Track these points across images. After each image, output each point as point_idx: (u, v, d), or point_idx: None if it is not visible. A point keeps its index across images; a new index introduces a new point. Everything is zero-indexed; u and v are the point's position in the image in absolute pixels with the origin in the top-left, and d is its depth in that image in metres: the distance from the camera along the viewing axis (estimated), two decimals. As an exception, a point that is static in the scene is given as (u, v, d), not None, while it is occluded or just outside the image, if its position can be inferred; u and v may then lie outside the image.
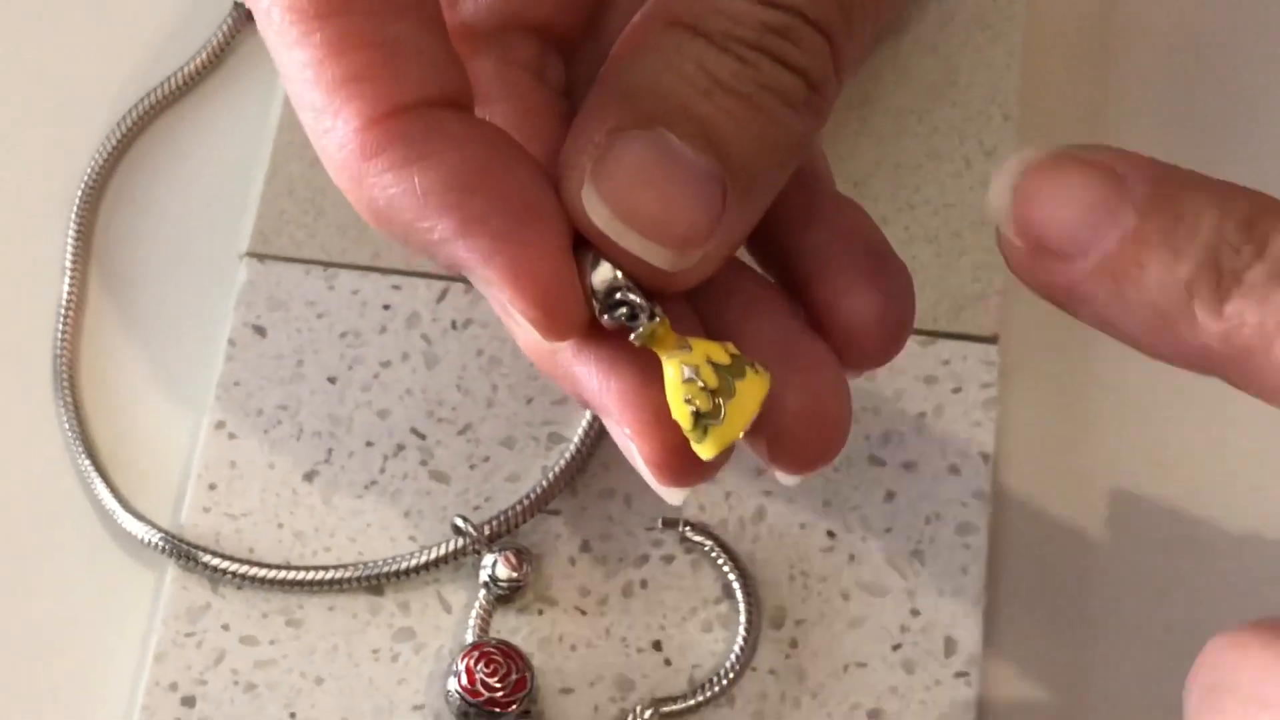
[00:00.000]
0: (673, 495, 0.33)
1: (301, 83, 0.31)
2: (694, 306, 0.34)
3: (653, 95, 0.31)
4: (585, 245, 0.32)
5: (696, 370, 0.32)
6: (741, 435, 0.32)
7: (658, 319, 0.32)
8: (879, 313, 0.34)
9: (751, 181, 0.32)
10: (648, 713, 0.41)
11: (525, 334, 0.33)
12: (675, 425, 0.32)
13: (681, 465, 0.32)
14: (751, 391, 0.32)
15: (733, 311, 0.34)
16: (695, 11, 0.32)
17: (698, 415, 0.32)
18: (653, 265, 0.31)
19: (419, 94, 0.31)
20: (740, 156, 0.31)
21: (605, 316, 0.32)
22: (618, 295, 0.32)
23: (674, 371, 0.32)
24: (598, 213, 0.31)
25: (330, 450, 0.44)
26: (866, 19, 0.33)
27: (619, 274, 0.31)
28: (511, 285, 0.31)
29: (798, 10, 0.32)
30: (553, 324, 0.31)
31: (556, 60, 0.36)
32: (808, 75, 0.32)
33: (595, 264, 0.32)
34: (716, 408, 0.32)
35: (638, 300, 0.32)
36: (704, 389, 0.32)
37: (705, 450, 0.32)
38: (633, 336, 0.32)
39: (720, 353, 0.32)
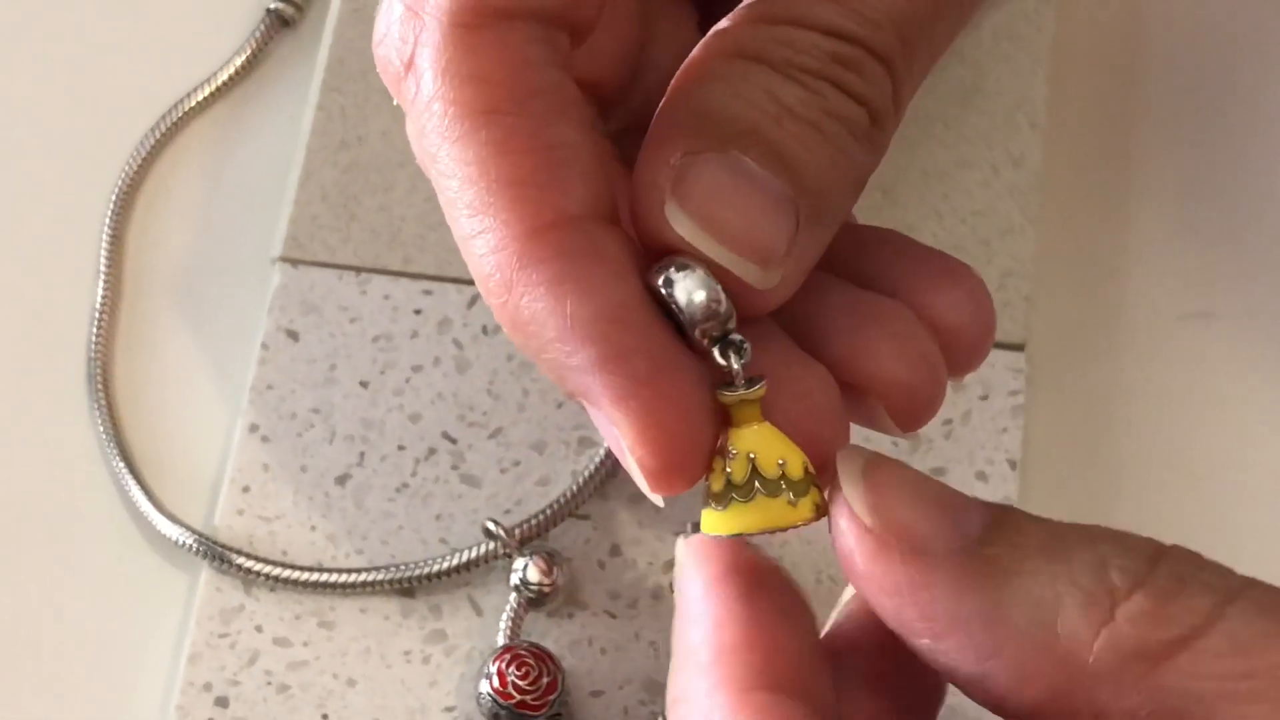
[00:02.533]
0: (657, 497, 0.33)
1: (460, 180, 0.31)
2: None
3: (724, 120, 0.31)
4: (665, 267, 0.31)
5: (759, 460, 0.31)
6: (752, 535, 0.32)
7: (762, 383, 0.31)
8: (972, 305, 0.34)
9: (822, 206, 0.32)
10: (677, 716, 0.41)
11: (611, 439, 0.32)
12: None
13: (673, 481, 0.32)
14: (790, 514, 0.31)
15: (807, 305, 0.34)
16: (759, 42, 0.31)
17: (730, 485, 0.31)
18: (742, 280, 0.31)
19: (580, 205, 0.31)
20: (811, 181, 0.31)
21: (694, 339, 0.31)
22: (715, 321, 0.31)
23: (746, 443, 0.31)
24: (684, 227, 0.31)
25: (362, 454, 0.44)
26: (925, 52, 0.33)
27: (717, 289, 0.31)
28: (639, 434, 0.30)
29: (862, 42, 0.32)
30: (666, 480, 0.31)
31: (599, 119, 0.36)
32: (870, 106, 0.32)
33: (684, 281, 0.31)
34: (752, 494, 0.31)
35: (736, 336, 0.31)
36: (754, 474, 0.31)
37: (714, 524, 0.32)
38: (735, 394, 0.31)
39: (797, 463, 0.31)
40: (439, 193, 0.31)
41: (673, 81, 0.32)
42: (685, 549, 0.34)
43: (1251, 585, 0.29)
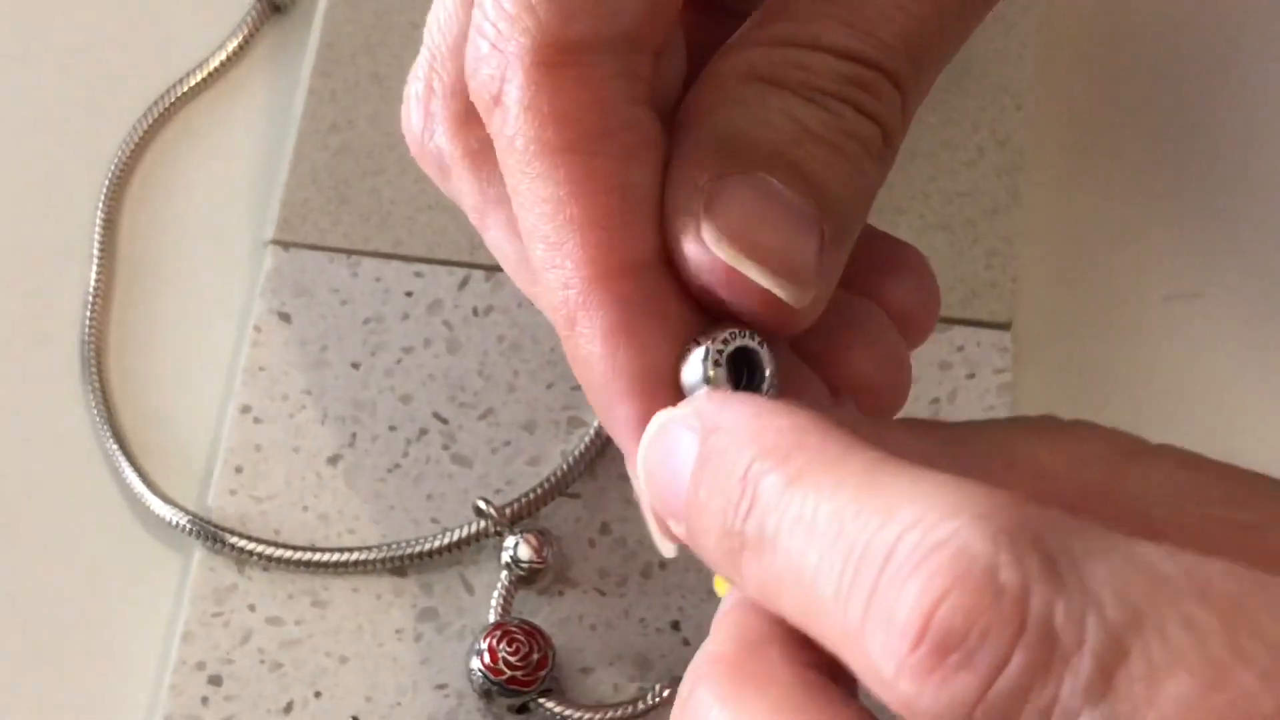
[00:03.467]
0: (667, 549, 0.33)
1: (537, 215, 0.31)
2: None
3: (747, 143, 0.31)
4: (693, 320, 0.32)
5: None
6: None
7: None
8: (922, 291, 0.35)
9: (844, 223, 0.32)
10: (666, 691, 0.42)
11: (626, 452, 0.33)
12: None
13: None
14: None
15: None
16: (774, 66, 0.32)
17: None
18: (779, 300, 0.31)
19: (646, 251, 0.31)
20: (834, 200, 0.32)
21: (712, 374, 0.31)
22: (736, 349, 0.31)
23: None
24: (722, 249, 0.31)
25: (354, 434, 0.45)
26: (931, 68, 0.33)
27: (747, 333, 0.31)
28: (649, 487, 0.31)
29: (875, 63, 0.32)
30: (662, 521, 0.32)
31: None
32: (884, 124, 0.32)
33: (712, 328, 0.31)
34: None
35: (767, 366, 0.31)
36: None
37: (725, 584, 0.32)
38: None
39: None
40: (519, 221, 0.32)
41: (686, 103, 0.33)
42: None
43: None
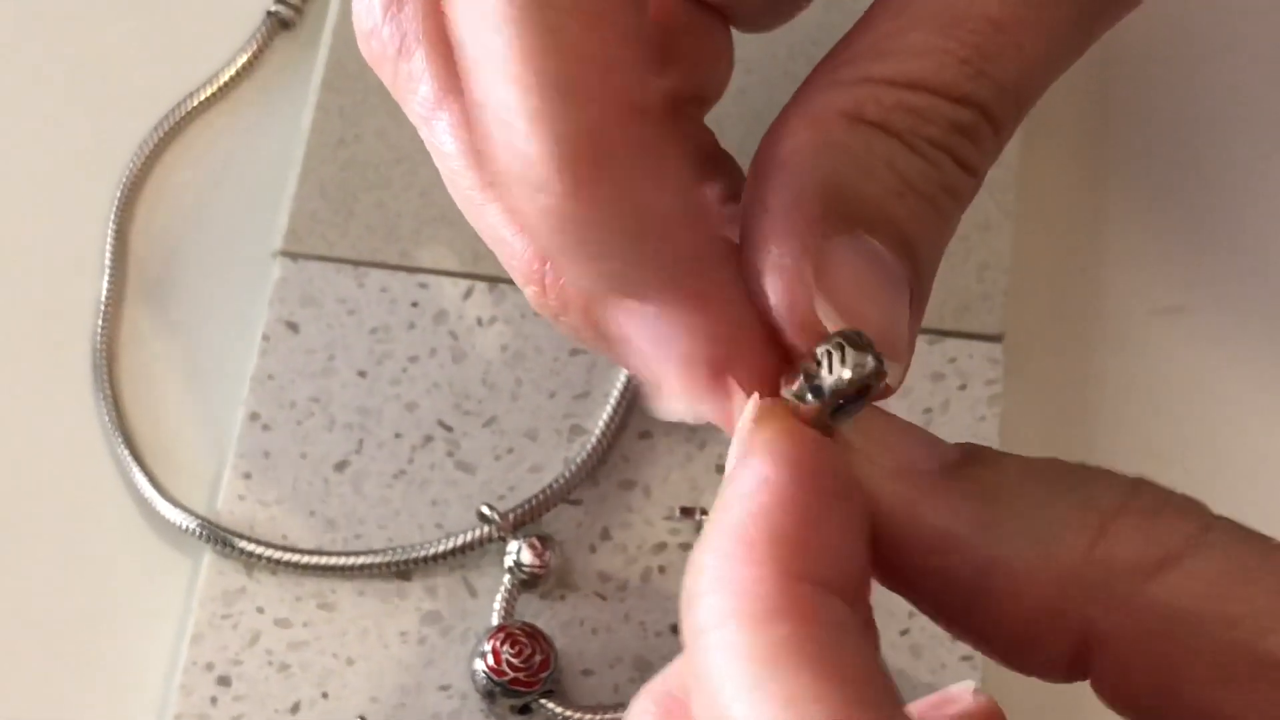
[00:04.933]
0: (675, 410, 0.31)
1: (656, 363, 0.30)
2: None
3: (852, 198, 0.30)
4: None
5: None
6: None
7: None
8: None
9: (927, 285, 0.31)
10: (665, 693, 0.42)
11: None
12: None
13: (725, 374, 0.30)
14: None
15: None
16: (881, 106, 0.30)
17: None
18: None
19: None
20: (924, 260, 0.31)
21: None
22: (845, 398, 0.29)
23: None
24: (830, 322, 0.30)
25: (361, 441, 0.46)
26: (1027, 111, 0.32)
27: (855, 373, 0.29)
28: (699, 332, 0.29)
29: (985, 108, 0.31)
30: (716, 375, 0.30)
31: None
32: (979, 176, 0.31)
33: (827, 363, 0.29)
34: None
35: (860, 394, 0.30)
36: None
37: None
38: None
39: None
40: (477, 72, 0.28)
41: (784, 139, 0.31)
42: (763, 413, 0.30)
43: (1218, 517, 0.29)
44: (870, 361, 0.29)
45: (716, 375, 0.29)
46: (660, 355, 0.29)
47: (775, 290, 0.30)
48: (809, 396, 0.29)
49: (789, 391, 0.30)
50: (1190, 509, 0.29)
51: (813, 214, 0.30)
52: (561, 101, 0.27)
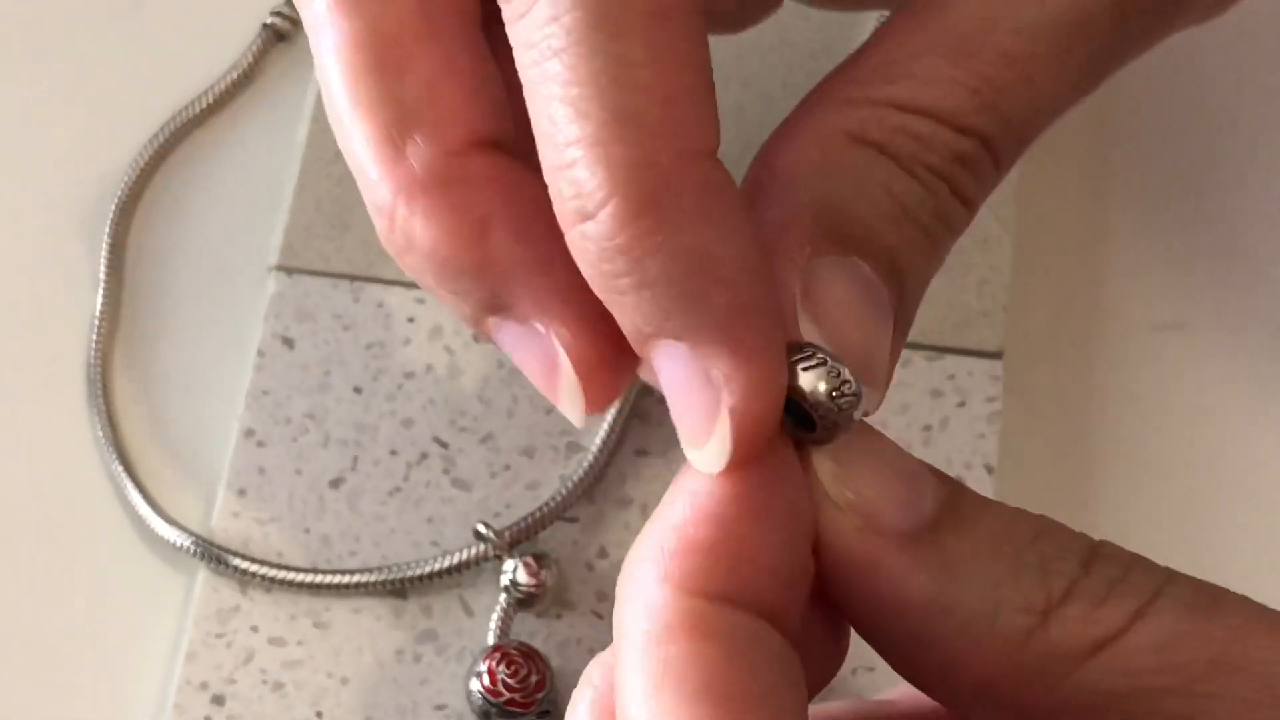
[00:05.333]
0: (578, 414, 0.31)
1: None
2: None
3: (847, 218, 0.30)
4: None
5: None
6: None
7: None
8: None
9: (911, 314, 0.31)
10: (662, 713, 0.42)
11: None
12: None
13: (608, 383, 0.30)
14: None
15: None
16: (883, 129, 0.30)
17: None
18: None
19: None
20: (911, 287, 0.30)
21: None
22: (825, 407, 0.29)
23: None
24: (812, 336, 0.29)
25: (356, 458, 0.45)
26: (1027, 147, 0.32)
27: (834, 385, 0.29)
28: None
29: (989, 141, 0.30)
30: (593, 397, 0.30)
31: None
32: (972, 209, 0.31)
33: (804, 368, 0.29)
34: None
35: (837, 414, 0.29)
36: None
37: None
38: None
39: None
40: (542, 95, 0.28)
41: (784, 153, 0.30)
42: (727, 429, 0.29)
43: (1172, 580, 0.29)
44: (847, 383, 0.29)
45: (758, 435, 0.28)
46: (699, 406, 0.28)
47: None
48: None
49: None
50: (1140, 581, 0.29)
51: (804, 230, 0.30)
52: (628, 136, 0.27)
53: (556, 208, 0.28)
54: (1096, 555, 0.29)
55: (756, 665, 0.27)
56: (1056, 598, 0.28)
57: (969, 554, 0.29)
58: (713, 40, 0.30)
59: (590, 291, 0.29)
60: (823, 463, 0.30)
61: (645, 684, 0.27)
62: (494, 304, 0.30)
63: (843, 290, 0.29)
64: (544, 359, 0.30)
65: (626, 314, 0.28)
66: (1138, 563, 0.29)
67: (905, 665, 0.30)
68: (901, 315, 0.30)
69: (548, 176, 0.28)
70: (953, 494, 0.30)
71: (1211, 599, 0.29)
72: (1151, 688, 0.28)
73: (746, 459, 0.28)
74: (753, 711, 0.27)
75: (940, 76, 0.30)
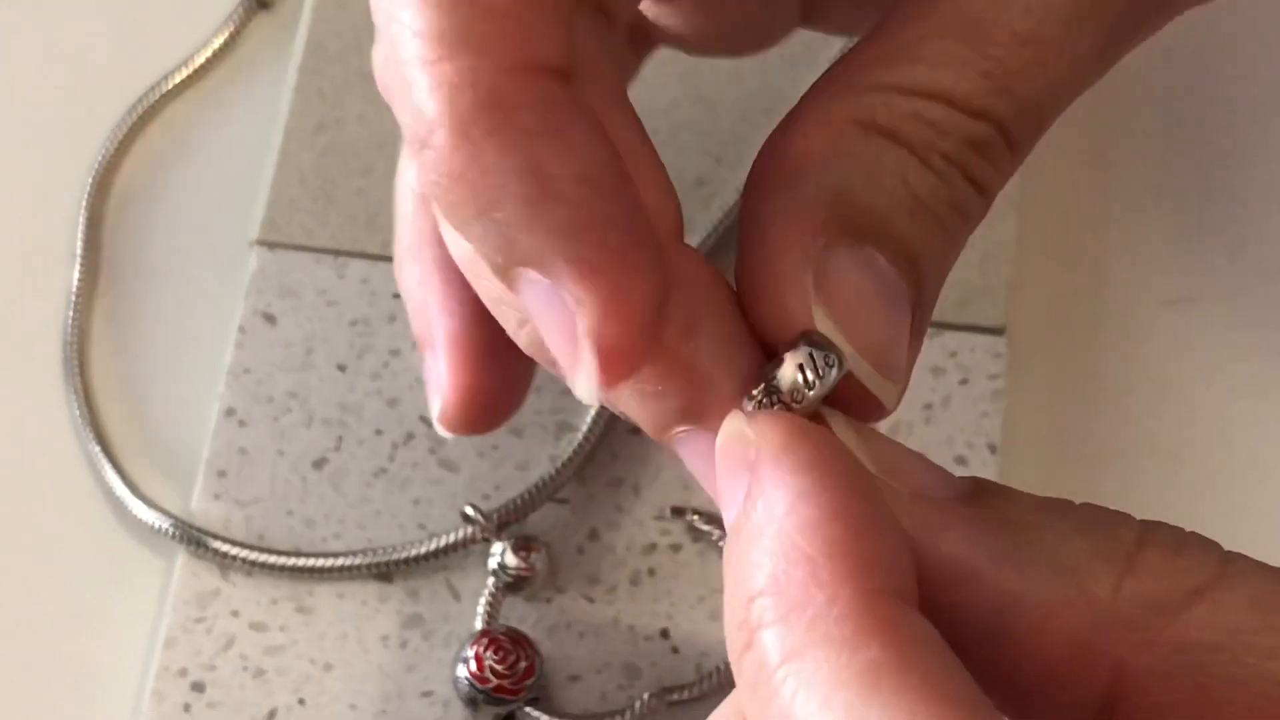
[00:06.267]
0: (594, 393, 0.29)
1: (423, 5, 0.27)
2: None
3: (859, 208, 0.29)
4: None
5: None
6: None
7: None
8: None
9: (930, 306, 0.30)
10: (654, 700, 0.41)
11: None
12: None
13: (626, 364, 0.28)
14: None
15: None
16: (894, 115, 0.29)
17: None
18: (868, 392, 0.29)
19: (560, 56, 0.28)
20: (929, 280, 0.30)
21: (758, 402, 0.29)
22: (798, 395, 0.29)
23: None
24: (827, 329, 0.29)
25: (340, 438, 0.44)
26: (1043, 132, 0.31)
27: (810, 377, 0.28)
28: (605, 309, 0.27)
29: (1004, 125, 0.30)
30: (620, 362, 0.28)
31: None
32: (989, 197, 0.30)
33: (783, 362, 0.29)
34: None
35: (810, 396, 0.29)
36: None
37: None
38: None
39: None
40: (389, 27, 0.27)
41: (793, 142, 0.30)
42: (767, 425, 0.28)
43: (1234, 553, 0.28)
44: (834, 367, 0.28)
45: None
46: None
47: (771, 296, 0.29)
48: (768, 401, 0.29)
49: (750, 401, 0.29)
50: (1208, 545, 0.28)
51: (816, 222, 0.29)
52: (455, 53, 0.26)
53: (405, 136, 0.28)
54: (1157, 524, 0.28)
55: (949, 660, 0.26)
56: (1134, 547, 0.27)
57: (1026, 515, 0.28)
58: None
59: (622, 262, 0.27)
60: (852, 440, 0.29)
61: (847, 697, 0.25)
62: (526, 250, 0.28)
63: (857, 282, 0.29)
64: (566, 324, 0.29)
65: (479, 246, 0.28)
66: (1194, 534, 0.28)
67: (980, 654, 0.28)
68: (919, 307, 0.30)
69: (391, 98, 0.28)
70: (980, 481, 0.29)
71: (1276, 568, 0.28)
72: (1254, 646, 0.27)
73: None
74: (973, 705, 0.25)
75: (951, 59, 0.30)
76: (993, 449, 0.44)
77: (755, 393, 0.29)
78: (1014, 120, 0.30)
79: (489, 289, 0.31)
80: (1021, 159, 0.31)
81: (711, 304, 0.29)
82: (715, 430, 0.29)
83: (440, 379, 0.38)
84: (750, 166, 0.31)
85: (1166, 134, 0.49)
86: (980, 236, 0.46)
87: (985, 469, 0.44)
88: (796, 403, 0.28)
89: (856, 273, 0.29)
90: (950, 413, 0.45)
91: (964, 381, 0.45)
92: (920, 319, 0.30)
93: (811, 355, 0.28)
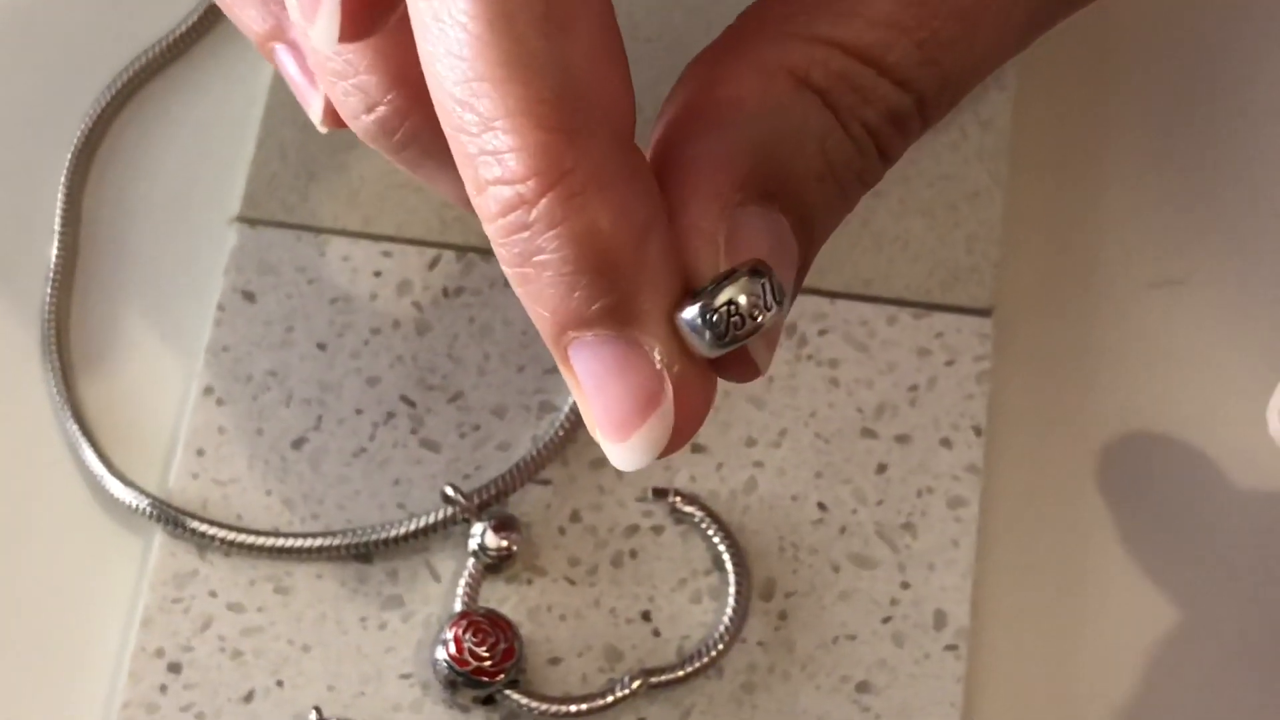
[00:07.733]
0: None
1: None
2: None
3: (777, 170, 0.30)
4: None
5: None
6: None
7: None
8: None
9: (810, 264, 0.31)
10: (636, 683, 0.41)
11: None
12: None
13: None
14: None
15: None
16: (828, 74, 0.30)
17: None
18: (751, 356, 0.30)
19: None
20: (817, 242, 0.31)
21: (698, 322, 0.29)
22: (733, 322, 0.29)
23: None
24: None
25: (319, 417, 0.44)
26: (950, 109, 0.31)
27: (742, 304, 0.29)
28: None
29: (923, 99, 0.30)
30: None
31: None
32: (891, 165, 0.31)
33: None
34: None
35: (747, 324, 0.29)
36: None
37: None
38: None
39: None
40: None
41: (722, 79, 0.30)
42: None
43: None
44: (781, 304, 0.29)
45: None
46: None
47: (685, 244, 0.29)
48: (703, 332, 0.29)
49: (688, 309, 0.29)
50: None
51: (739, 176, 0.29)
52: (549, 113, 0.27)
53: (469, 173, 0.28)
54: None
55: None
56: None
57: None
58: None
59: None
60: None
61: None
62: None
63: (763, 242, 0.29)
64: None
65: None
66: None
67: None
68: (803, 269, 0.30)
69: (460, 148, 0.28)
70: None
71: None
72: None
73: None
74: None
75: (890, 21, 0.30)
76: (978, 431, 0.44)
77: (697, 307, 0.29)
78: (934, 95, 0.30)
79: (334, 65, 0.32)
80: (931, 126, 0.31)
81: (660, 212, 0.29)
82: (627, 340, 0.29)
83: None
84: (672, 86, 0.31)
85: (1156, 114, 0.49)
86: (966, 217, 0.46)
87: (970, 451, 0.43)
88: (752, 319, 0.29)
89: (763, 233, 0.29)
90: (935, 394, 0.44)
91: (950, 363, 0.44)
92: (801, 278, 0.31)
93: (765, 286, 0.29)
